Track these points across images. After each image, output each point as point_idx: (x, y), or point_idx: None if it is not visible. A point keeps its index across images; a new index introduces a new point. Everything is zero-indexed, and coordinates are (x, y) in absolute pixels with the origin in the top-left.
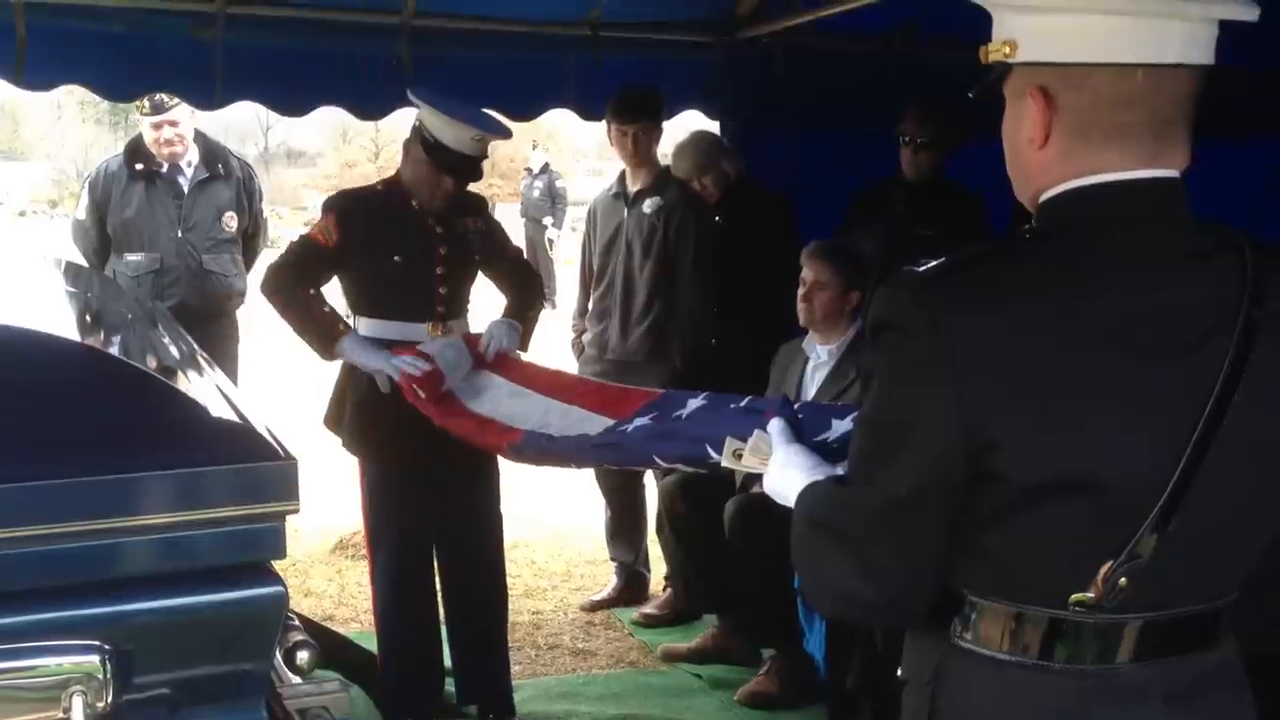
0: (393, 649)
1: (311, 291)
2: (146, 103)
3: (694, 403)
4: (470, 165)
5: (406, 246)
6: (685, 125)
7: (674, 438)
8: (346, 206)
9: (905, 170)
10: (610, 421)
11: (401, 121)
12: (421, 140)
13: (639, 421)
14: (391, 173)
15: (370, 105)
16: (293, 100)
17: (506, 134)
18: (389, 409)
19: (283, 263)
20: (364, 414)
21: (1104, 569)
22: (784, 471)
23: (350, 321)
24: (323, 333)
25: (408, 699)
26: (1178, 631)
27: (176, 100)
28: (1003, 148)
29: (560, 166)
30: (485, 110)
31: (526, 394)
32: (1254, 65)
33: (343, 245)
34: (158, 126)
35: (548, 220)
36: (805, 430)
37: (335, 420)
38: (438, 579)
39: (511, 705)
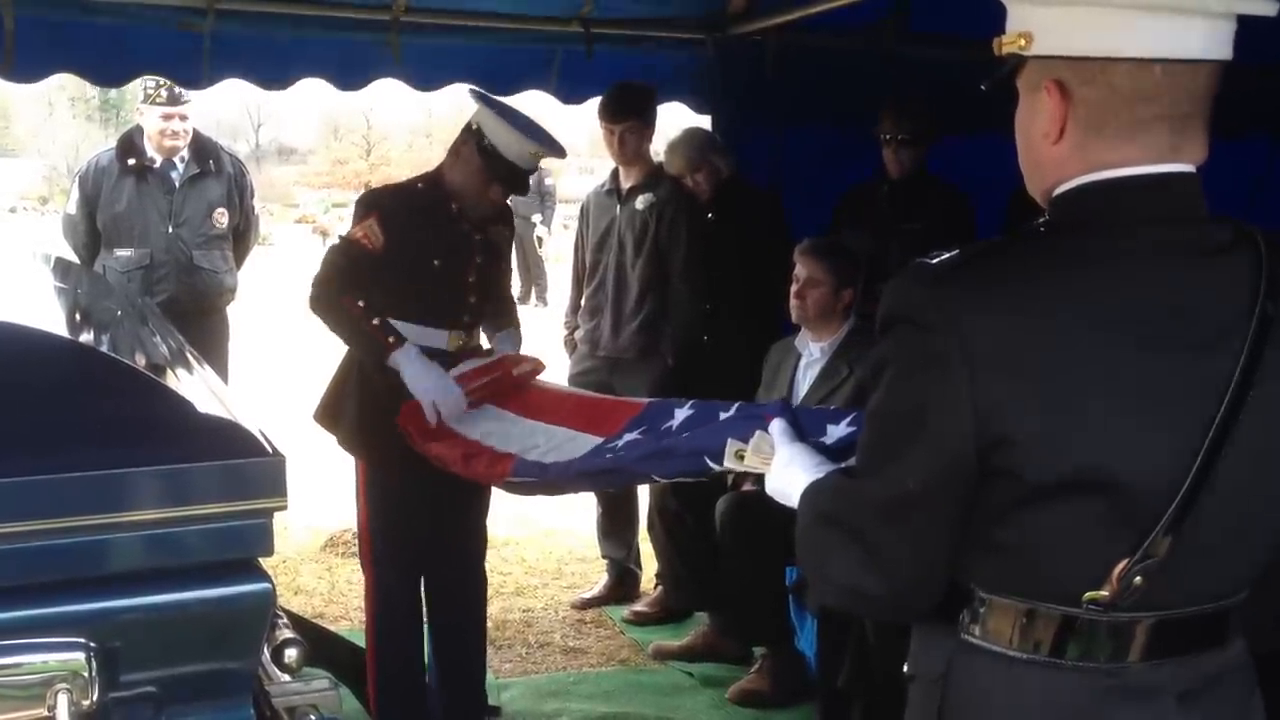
0: (386, 660)
1: (361, 303)
2: (164, 92)
3: (681, 412)
4: (523, 178)
5: (445, 251)
6: (678, 122)
7: (671, 455)
8: (389, 205)
9: (889, 168)
10: (598, 440)
11: (393, 119)
12: (479, 146)
13: (628, 437)
14: (386, 167)
15: (352, 77)
16: (275, 75)
17: (563, 152)
18: (393, 412)
19: (327, 274)
20: (368, 416)
21: (1119, 568)
22: (787, 470)
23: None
24: (372, 347)
25: (397, 710)
26: (1190, 630)
27: (189, 96)
28: (990, 142)
29: (550, 163)
30: (536, 121)
31: (510, 418)
32: (1247, 61)
33: (388, 247)
34: (168, 117)
35: (536, 218)
36: (804, 433)
37: (331, 417)
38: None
39: (486, 708)
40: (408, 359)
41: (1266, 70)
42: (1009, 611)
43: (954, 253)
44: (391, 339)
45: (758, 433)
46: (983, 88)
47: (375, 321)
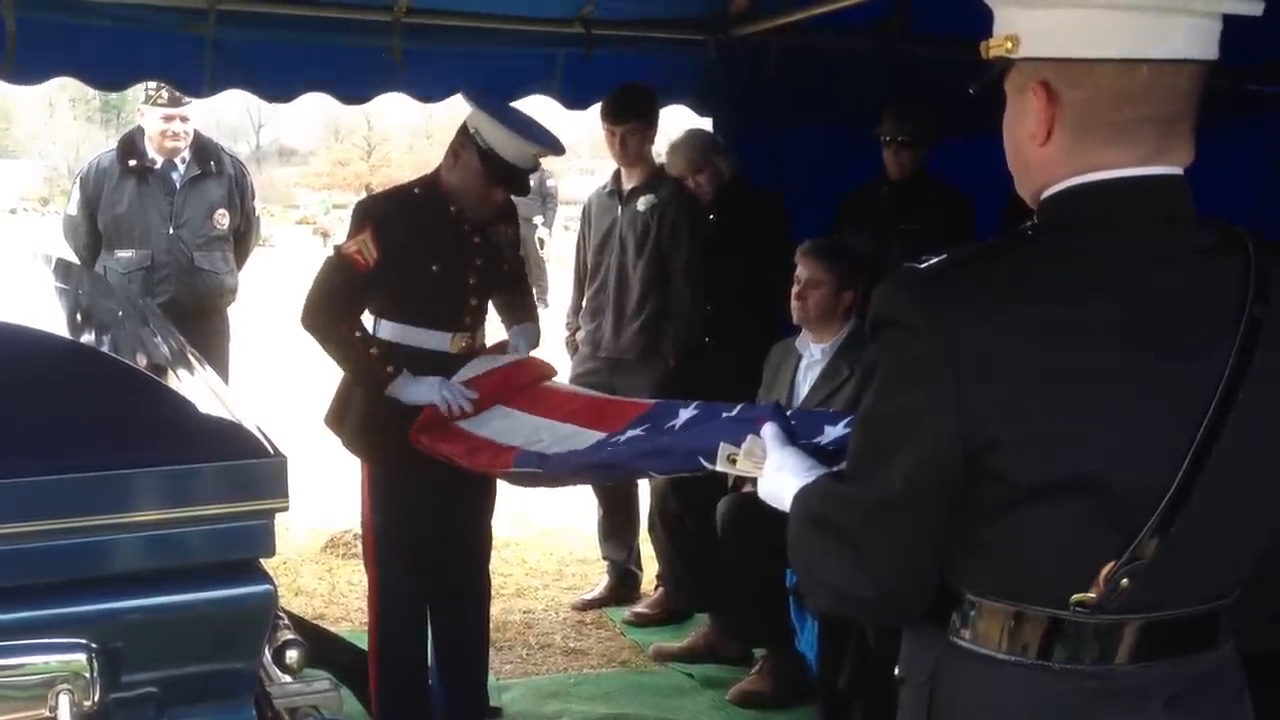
0: (389, 661)
1: (358, 334)
2: (165, 93)
3: (685, 413)
4: (523, 179)
5: (444, 255)
6: (680, 123)
7: (667, 453)
8: (384, 214)
9: (889, 169)
10: (601, 435)
11: (393, 120)
12: (477, 149)
13: (631, 433)
14: (387, 169)
15: (355, 90)
16: (279, 87)
17: (561, 149)
18: (396, 413)
19: (319, 297)
20: (371, 418)
21: (1105, 569)
22: (778, 474)
23: (372, 325)
24: (372, 376)
25: (399, 712)
26: (1178, 632)
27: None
28: (990, 144)
29: (551, 165)
30: (534, 119)
31: (517, 415)
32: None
33: (382, 261)
34: (169, 119)
35: (538, 219)
36: (799, 435)
37: (336, 419)
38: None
39: (487, 709)
40: (404, 385)
41: (1261, 70)
42: (998, 614)
43: (942, 256)
44: (390, 368)
45: (749, 437)
46: (971, 91)
47: (373, 350)
